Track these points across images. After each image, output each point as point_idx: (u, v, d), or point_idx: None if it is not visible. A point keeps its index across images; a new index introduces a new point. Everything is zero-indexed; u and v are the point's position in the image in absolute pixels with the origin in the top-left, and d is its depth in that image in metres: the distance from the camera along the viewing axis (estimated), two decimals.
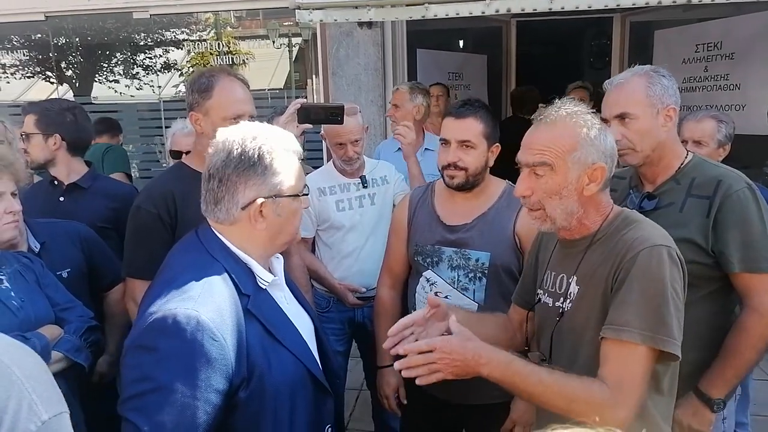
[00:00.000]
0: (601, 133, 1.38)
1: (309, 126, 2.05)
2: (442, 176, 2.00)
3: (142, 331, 1.17)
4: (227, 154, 1.30)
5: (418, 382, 1.27)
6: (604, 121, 1.79)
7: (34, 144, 2.45)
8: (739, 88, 4.41)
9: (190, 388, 1.12)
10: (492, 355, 1.28)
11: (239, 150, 1.29)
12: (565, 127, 1.37)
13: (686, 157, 1.80)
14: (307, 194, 1.39)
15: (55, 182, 2.49)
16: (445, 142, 1.97)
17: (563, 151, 1.36)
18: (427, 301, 1.49)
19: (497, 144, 1.99)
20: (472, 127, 1.93)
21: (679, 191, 1.75)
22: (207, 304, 1.18)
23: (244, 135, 1.32)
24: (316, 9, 2.98)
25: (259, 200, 1.29)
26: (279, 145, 1.32)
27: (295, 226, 1.40)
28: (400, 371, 2.15)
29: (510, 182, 2.09)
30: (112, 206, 2.44)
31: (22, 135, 2.49)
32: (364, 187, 2.68)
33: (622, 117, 1.74)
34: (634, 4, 2.86)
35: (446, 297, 1.98)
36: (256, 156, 1.28)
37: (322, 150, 4.57)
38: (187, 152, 2.77)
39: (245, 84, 1.91)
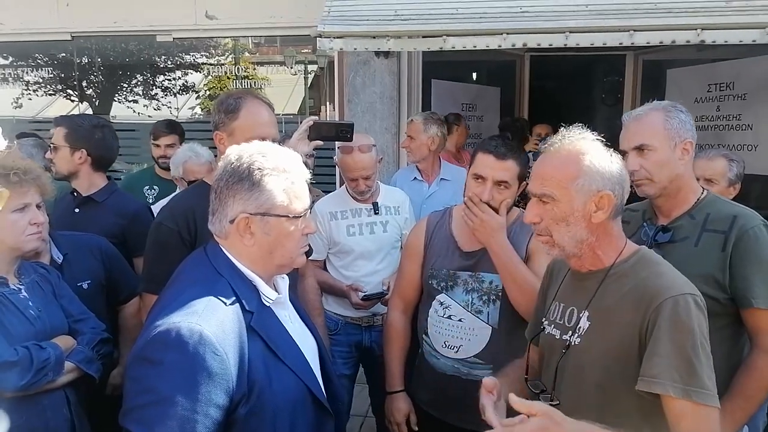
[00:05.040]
0: (606, 159, 1.37)
1: (320, 143, 2.10)
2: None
3: (145, 343, 1.19)
4: (224, 168, 1.34)
5: None
6: (622, 153, 1.81)
7: (60, 156, 2.54)
8: (751, 129, 4.44)
9: (190, 402, 1.13)
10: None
11: (233, 164, 1.32)
12: (568, 156, 1.37)
13: (702, 194, 1.82)
14: (300, 217, 1.35)
15: (75, 193, 2.58)
16: (480, 178, 1.94)
17: (566, 179, 1.36)
18: (485, 387, 1.40)
19: (526, 182, 1.99)
20: (510, 168, 1.92)
21: (694, 226, 1.76)
22: (210, 319, 1.19)
23: (243, 151, 1.35)
24: (337, 38, 3.05)
25: (243, 215, 1.30)
26: (275, 165, 1.32)
27: (290, 249, 1.36)
28: (409, 396, 2.11)
29: (523, 209, 2.11)
30: (120, 223, 2.50)
31: (50, 146, 2.56)
32: (376, 213, 2.71)
33: (640, 148, 1.77)
34: (648, 43, 2.91)
35: (460, 320, 1.98)
36: (245, 172, 1.30)
37: (335, 175, 4.62)
38: None
39: (271, 107, 1.96)
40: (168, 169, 3.72)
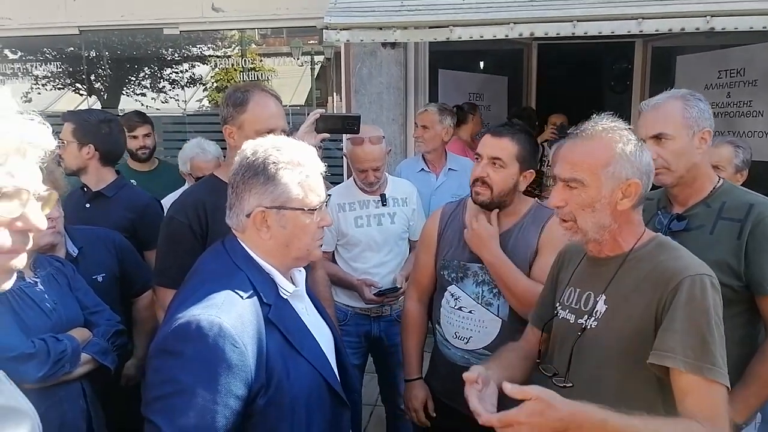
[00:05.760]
0: (638, 149, 1.39)
1: (327, 135, 2.12)
2: (471, 192, 2.03)
3: (166, 335, 1.21)
4: (240, 163, 1.36)
5: None
6: None
7: (68, 151, 2.56)
8: (762, 115, 4.40)
9: (211, 393, 1.15)
10: (585, 415, 1.19)
11: (248, 159, 1.34)
12: (601, 142, 1.39)
13: (718, 182, 1.82)
14: (314, 210, 1.36)
15: (85, 189, 2.60)
16: (478, 157, 2.01)
17: (597, 165, 1.37)
18: (467, 380, 1.37)
19: (531, 171, 1.99)
20: (505, 147, 1.94)
21: (710, 214, 1.76)
22: (229, 312, 1.21)
23: (258, 145, 1.36)
24: (343, 29, 3.06)
25: (259, 209, 1.31)
26: (290, 159, 1.33)
27: (306, 242, 1.37)
28: (427, 384, 2.11)
29: (538, 201, 2.11)
30: (130, 217, 2.53)
31: (59, 142, 2.59)
32: (384, 204, 2.72)
33: (658, 137, 1.77)
34: (657, 31, 2.89)
35: (470, 312, 2.00)
36: (261, 166, 1.32)
37: (342, 167, 4.63)
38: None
39: (278, 100, 1.97)
40: (144, 160, 3.77)
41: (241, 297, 1.26)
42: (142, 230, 2.51)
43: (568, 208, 1.42)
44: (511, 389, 1.17)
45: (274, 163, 1.32)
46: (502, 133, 1.95)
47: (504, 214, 2.02)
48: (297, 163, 1.34)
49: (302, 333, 1.36)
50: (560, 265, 1.67)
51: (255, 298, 1.29)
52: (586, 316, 1.46)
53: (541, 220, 1.98)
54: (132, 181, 3.63)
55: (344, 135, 2.72)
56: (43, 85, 5.80)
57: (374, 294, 2.62)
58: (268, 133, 1.79)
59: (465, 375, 1.39)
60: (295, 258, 1.40)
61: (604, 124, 1.42)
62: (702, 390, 1.25)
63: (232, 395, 1.17)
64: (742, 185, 2.63)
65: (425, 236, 2.19)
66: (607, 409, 1.19)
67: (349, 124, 2.16)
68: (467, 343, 2.01)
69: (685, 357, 1.25)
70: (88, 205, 2.56)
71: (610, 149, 1.38)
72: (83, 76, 5.71)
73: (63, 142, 2.56)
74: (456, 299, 2.03)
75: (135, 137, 3.73)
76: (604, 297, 1.43)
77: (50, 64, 5.75)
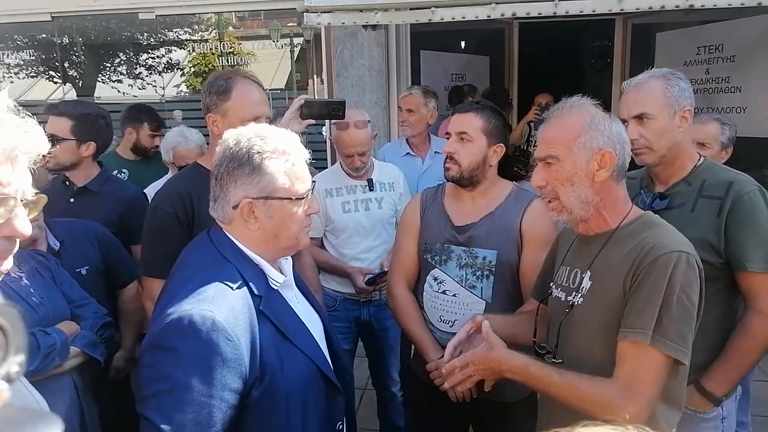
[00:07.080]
0: (606, 120, 1.43)
1: (312, 121, 2.11)
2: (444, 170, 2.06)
3: (159, 331, 1.20)
4: (222, 153, 1.33)
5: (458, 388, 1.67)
6: (622, 121, 1.83)
7: (64, 147, 2.41)
8: (740, 91, 4.45)
9: (206, 387, 1.15)
10: (511, 362, 1.47)
11: (232, 149, 1.32)
12: (570, 117, 1.45)
13: (699, 160, 1.85)
14: (302, 198, 1.35)
15: (67, 183, 2.51)
16: (447, 135, 2.05)
17: (569, 139, 1.42)
18: (473, 323, 1.66)
19: (501, 144, 2.02)
20: (470, 121, 1.99)
21: (691, 192, 1.79)
22: (221, 305, 1.20)
23: (241, 135, 1.34)
24: (324, 12, 3.02)
25: (246, 200, 1.30)
26: (274, 148, 1.31)
27: (295, 231, 1.36)
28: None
29: (517, 184, 2.12)
30: (118, 211, 2.47)
31: (50, 137, 2.48)
32: (371, 189, 2.72)
33: (639, 117, 1.79)
34: (637, 9, 2.90)
35: (454, 295, 2.01)
36: (245, 156, 1.30)
37: (326, 151, 4.60)
38: None
39: (261, 86, 1.95)
40: (150, 156, 3.65)
41: (232, 289, 1.25)
42: (130, 224, 2.44)
43: (550, 186, 1.46)
44: (484, 329, 1.54)
45: (259, 152, 1.30)
46: (467, 110, 2.03)
47: (483, 195, 2.04)
48: (282, 152, 1.32)
49: (294, 323, 1.36)
50: (558, 246, 1.71)
51: (245, 289, 1.28)
52: (573, 293, 1.49)
53: (523, 202, 1.99)
54: (124, 170, 3.55)
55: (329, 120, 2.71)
56: (15, 74, 5.66)
57: (366, 282, 2.61)
58: (253, 120, 1.77)
59: (476, 319, 1.66)
60: (284, 247, 1.39)
61: (572, 102, 1.48)
62: (633, 355, 1.30)
63: (228, 389, 1.17)
64: (725, 162, 2.68)
65: (407, 221, 2.18)
66: (533, 358, 1.47)
67: (335, 109, 2.15)
68: (452, 326, 2.02)
69: (642, 329, 1.29)
70: (72, 200, 2.48)
71: (578, 122, 1.43)
72: (57, 64, 5.57)
73: (57, 138, 2.40)
74: (440, 283, 2.04)
75: (154, 137, 3.57)
76: (589, 273, 1.47)
77: (22, 51, 5.60)
